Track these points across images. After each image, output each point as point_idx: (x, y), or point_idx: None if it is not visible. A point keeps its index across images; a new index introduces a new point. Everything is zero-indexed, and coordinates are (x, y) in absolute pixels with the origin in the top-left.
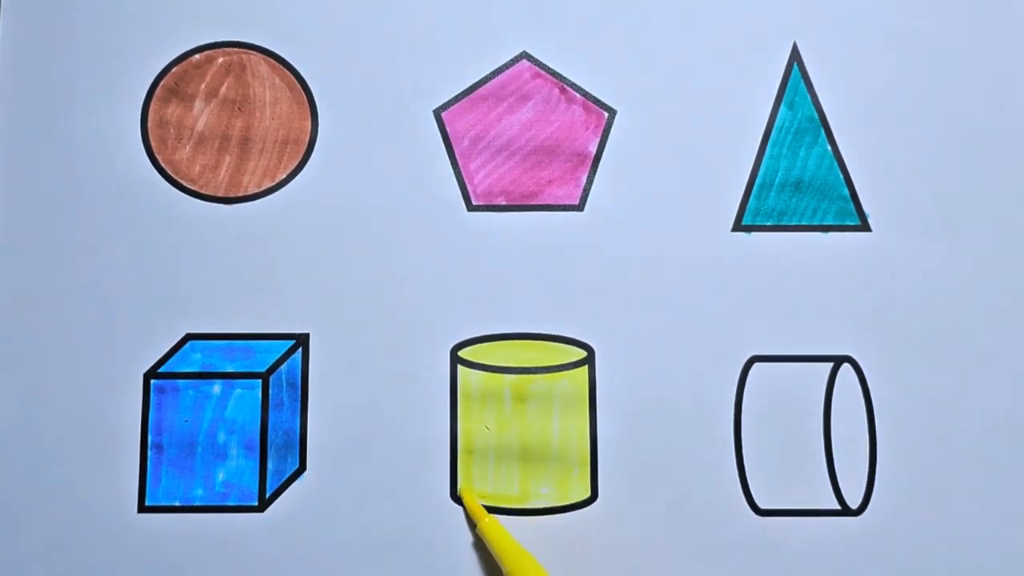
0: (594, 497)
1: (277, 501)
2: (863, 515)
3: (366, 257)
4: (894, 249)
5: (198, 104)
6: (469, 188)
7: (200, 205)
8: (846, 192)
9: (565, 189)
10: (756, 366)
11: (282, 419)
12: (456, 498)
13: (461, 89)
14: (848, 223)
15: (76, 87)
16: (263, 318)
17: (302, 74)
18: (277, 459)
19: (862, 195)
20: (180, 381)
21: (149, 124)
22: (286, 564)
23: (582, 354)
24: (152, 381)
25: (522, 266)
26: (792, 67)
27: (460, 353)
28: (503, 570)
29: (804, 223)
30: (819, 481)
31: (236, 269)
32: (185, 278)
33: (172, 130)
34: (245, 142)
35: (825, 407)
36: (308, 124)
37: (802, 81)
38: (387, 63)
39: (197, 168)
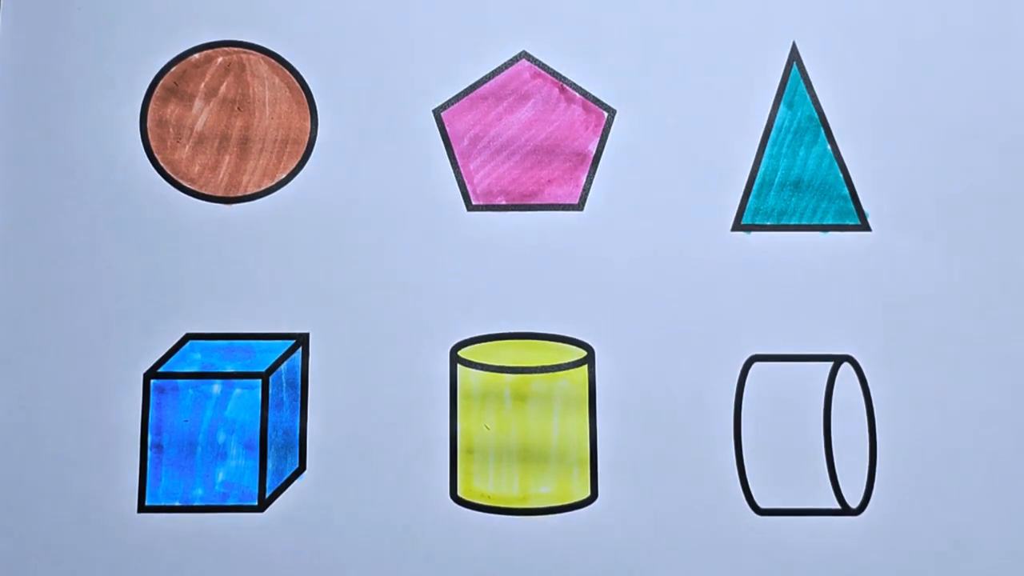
0: (594, 497)
1: (277, 501)
2: (863, 515)
3: (366, 257)
4: (894, 249)
5: (197, 104)
6: (469, 188)
7: (200, 205)
8: (846, 192)
9: (565, 188)
10: (756, 366)
11: (282, 419)
12: (456, 498)
13: (461, 89)
14: (848, 223)
15: (76, 87)
16: (263, 318)
17: (302, 74)
18: (277, 459)
19: (862, 195)
20: (180, 381)
21: (148, 124)
22: (286, 564)
23: (582, 354)
24: (152, 381)
25: (522, 266)
26: (792, 67)
27: (460, 353)
28: None
29: (804, 223)
30: (819, 481)
31: (236, 269)
32: (185, 278)
33: (171, 130)
34: (245, 142)
35: (825, 407)
36: (308, 124)
37: (802, 81)
38: (387, 63)
39: (196, 168)
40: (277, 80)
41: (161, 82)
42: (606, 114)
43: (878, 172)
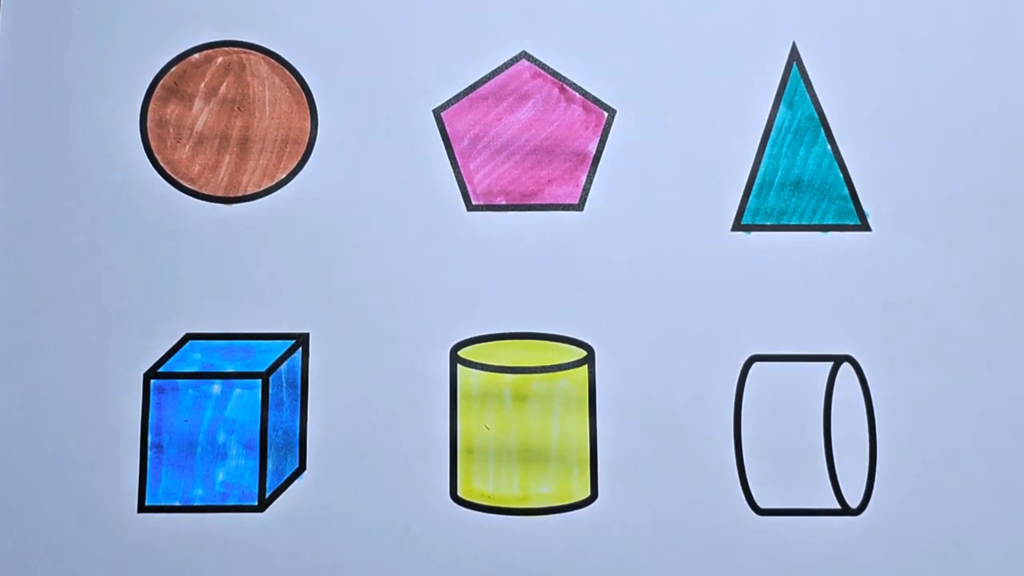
0: (594, 497)
1: (277, 501)
2: (863, 515)
3: (366, 257)
4: (894, 249)
5: (197, 104)
6: (469, 188)
7: (200, 205)
8: (846, 192)
9: (565, 188)
10: (756, 366)
11: (282, 419)
12: (456, 498)
13: (461, 89)
14: (848, 223)
15: (76, 87)
16: (263, 318)
17: (302, 74)
18: (277, 459)
19: (862, 195)
20: (180, 381)
21: (148, 124)
22: (286, 564)
23: (582, 354)
24: (152, 381)
25: (522, 266)
26: (792, 67)
27: (460, 353)
28: None
29: (804, 223)
30: (819, 481)
31: (236, 269)
32: (185, 278)
33: (171, 130)
34: (245, 142)
35: (825, 407)
36: (308, 124)
37: (802, 81)
38: (387, 63)
39: (196, 168)
40: (277, 80)
41: (161, 82)
42: (606, 114)
43: (878, 172)
